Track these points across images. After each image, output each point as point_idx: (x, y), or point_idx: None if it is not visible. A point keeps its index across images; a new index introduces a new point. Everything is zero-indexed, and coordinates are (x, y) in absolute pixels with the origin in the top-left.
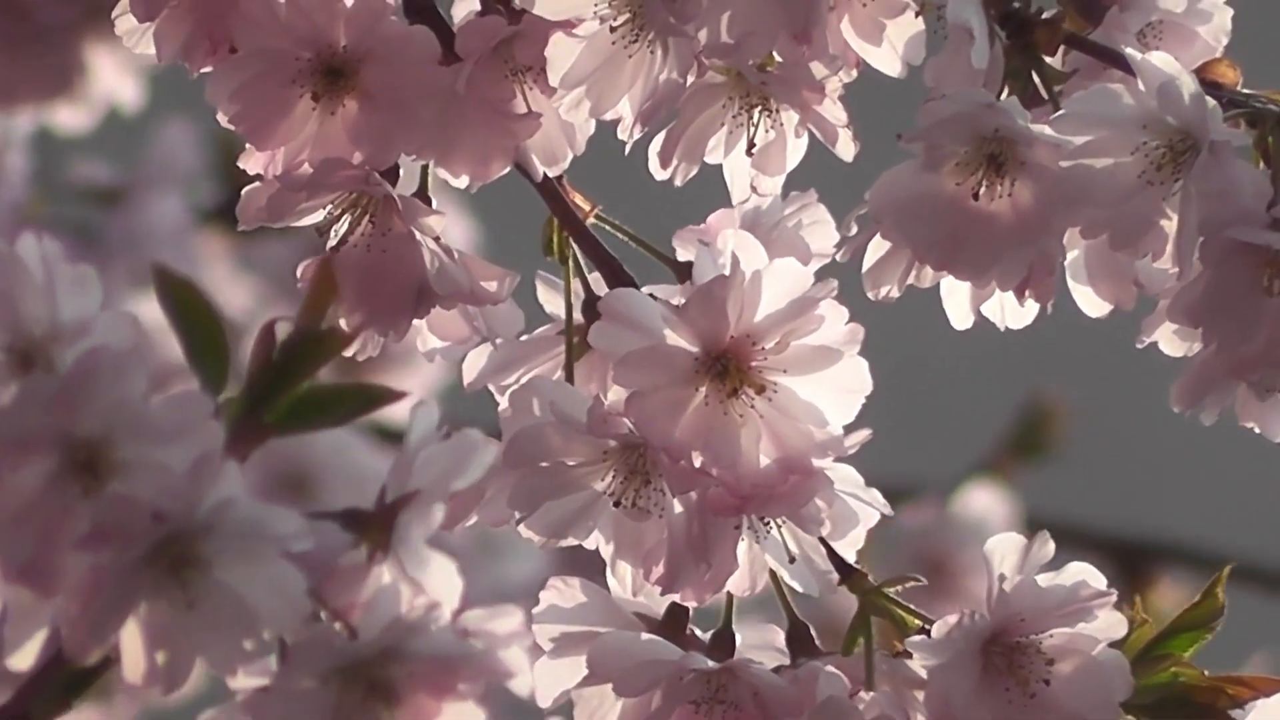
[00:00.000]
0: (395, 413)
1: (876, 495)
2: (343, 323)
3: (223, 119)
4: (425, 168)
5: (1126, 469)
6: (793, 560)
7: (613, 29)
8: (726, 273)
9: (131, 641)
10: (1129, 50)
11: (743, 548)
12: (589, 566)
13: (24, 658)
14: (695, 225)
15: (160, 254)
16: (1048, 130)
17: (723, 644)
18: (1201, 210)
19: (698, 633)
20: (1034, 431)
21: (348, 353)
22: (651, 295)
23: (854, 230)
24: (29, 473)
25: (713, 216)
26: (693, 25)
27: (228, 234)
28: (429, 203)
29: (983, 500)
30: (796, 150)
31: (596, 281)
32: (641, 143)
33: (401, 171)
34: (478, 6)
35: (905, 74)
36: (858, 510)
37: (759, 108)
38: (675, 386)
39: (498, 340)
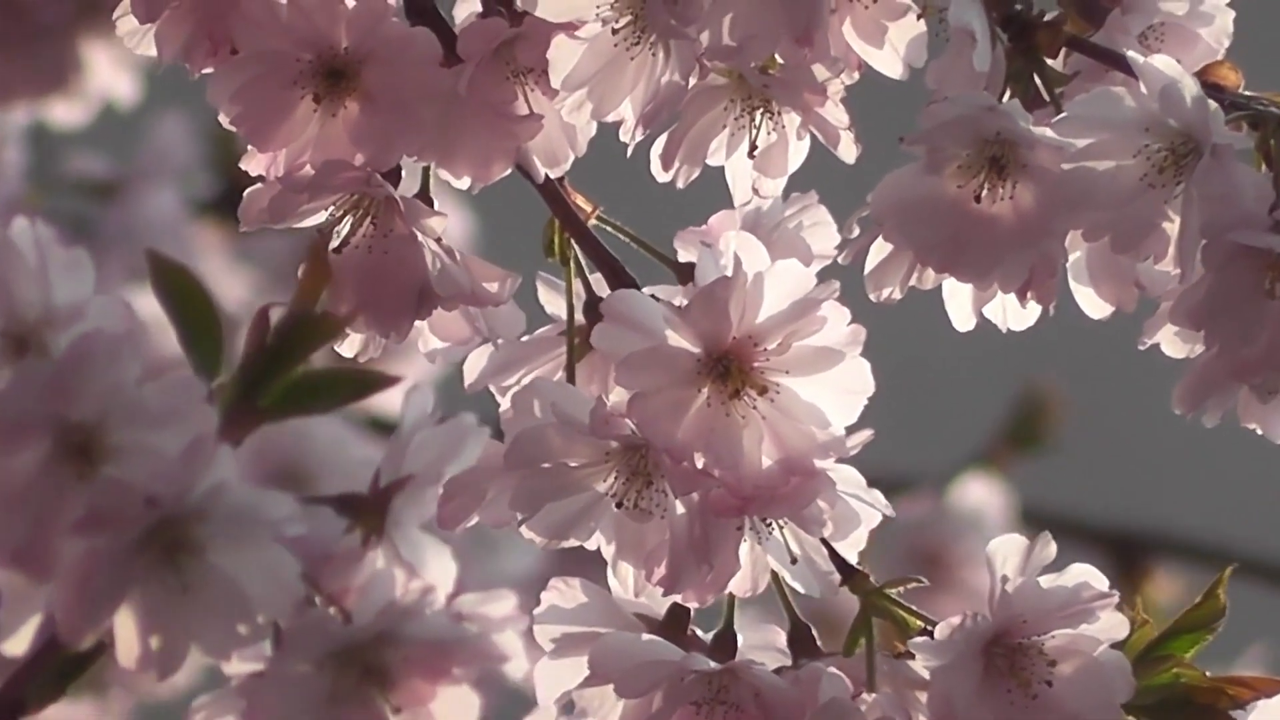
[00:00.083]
0: (391, 405)
1: (878, 496)
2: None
3: (224, 120)
4: (427, 169)
5: (1121, 461)
6: (794, 561)
7: (615, 31)
8: (729, 274)
9: (125, 626)
10: (1131, 53)
11: (745, 548)
12: (585, 562)
13: (18, 643)
14: (697, 226)
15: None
16: (1049, 133)
17: (724, 645)
18: (1203, 213)
19: (699, 633)
20: (1029, 423)
21: (348, 353)
22: (653, 296)
23: (856, 232)
24: (23, 457)
25: (714, 218)
26: (694, 28)
27: (224, 226)
28: (431, 204)
29: (978, 492)
30: (798, 152)
31: (598, 282)
32: (643, 144)
33: (403, 173)
34: (479, 8)
35: (907, 76)
36: (859, 511)
37: (761, 110)
38: (677, 388)
39: (499, 341)
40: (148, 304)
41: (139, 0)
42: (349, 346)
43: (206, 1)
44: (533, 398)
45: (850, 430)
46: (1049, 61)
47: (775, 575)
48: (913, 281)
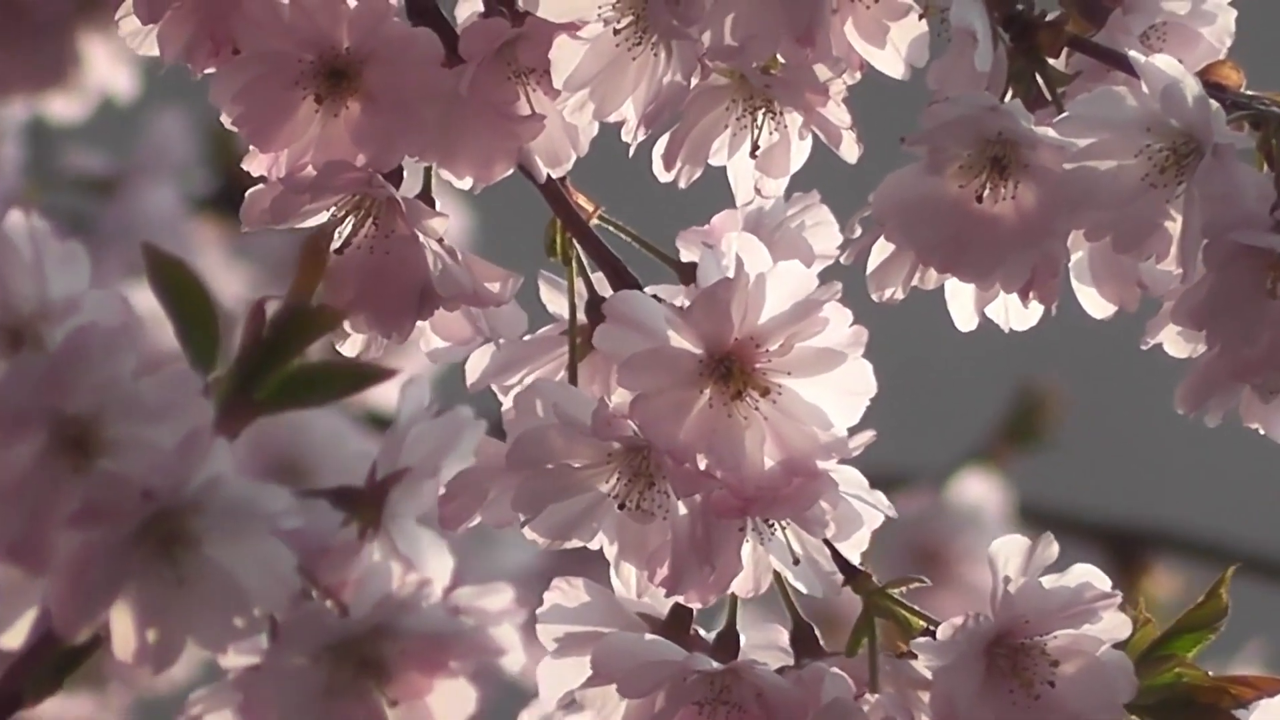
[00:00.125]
0: (390, 400)
1: (881, 497)
2: (346, 325)
3: (226, 120)
4: (428, 169)
5: (1119, 457)
6: (797, 562)
7: (616, 31)
8: (731, 276)
9: (122, 620)
10: (1132, 53)
11: (747, 549)
12: (584, 559)
13: (14, 636)
14: (699, 226)
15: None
16: (1051, 133)
17: (727, 645)
18: (1205, 213)
19: (702, 633)
20: (1027, 419)
21: (350, 354)
22: (655, 297)
23: (858, 232)
24: (19, 450)
25: (716, 217)
26: (696, 28)
27: (222, 223)
28: (432, 204)
29: (976, 489)
30: (800, 152)
31: (599, 281)
32: (645, 144)
33: (405, 173)
34: (481, 8)
35: (909, 76)
36: (862, 512)
37: (763, 110)
38: (679, 389)
39: (500, 341)
40: (145, 299)
41: (141, 1)
42: (351, 347)
43: (208, 2)
44: (535, 398)
45: (852, 431)
46: (1051, 61)
47: (778, 575)
48: (915, 281)
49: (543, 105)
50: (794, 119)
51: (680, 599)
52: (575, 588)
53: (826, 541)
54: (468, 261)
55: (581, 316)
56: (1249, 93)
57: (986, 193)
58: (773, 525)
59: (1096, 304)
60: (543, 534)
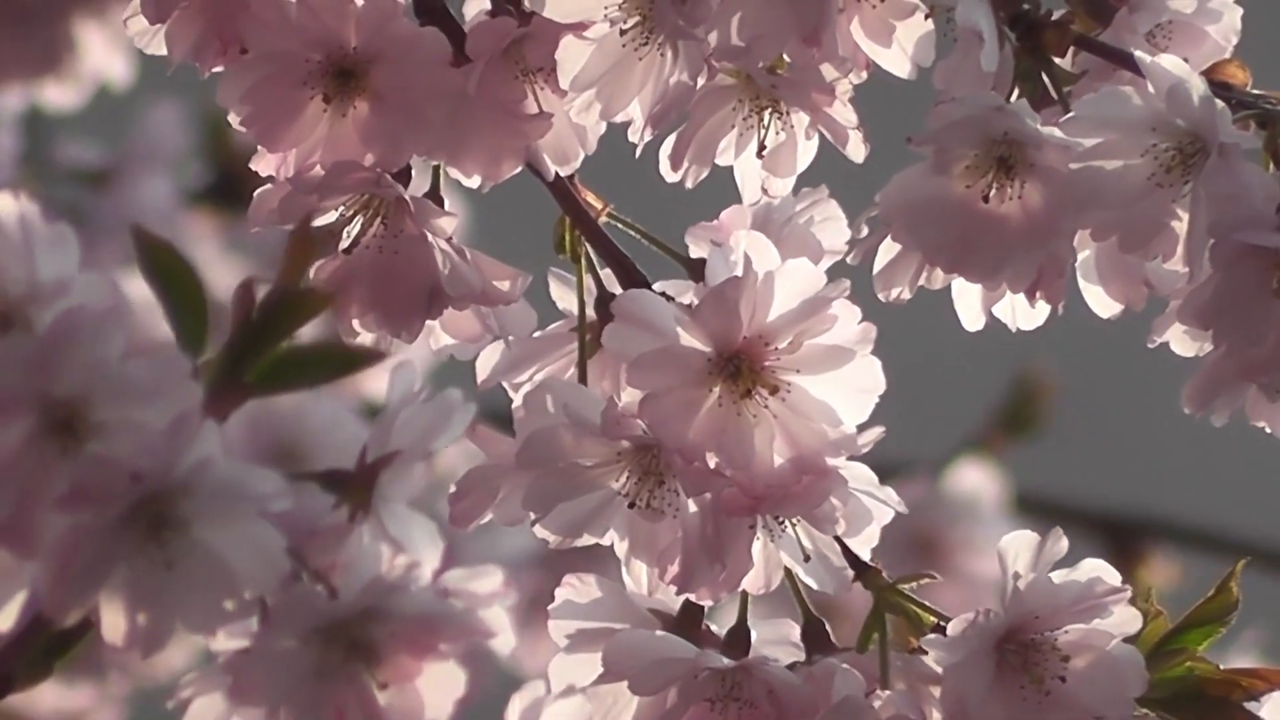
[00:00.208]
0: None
1: (890, 493)
2: (355, 325)
3: (234, 120)
4: (437, 168)
5: (1115, 445)
6: (808, 558)
7: (623, 32)
8: (739, 274)
9: (111, 603)
10: (1138, 53)
11: (757, 546)
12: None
13: (4, 620)
14: (708, 222)
15: None
16: (1057, 133)
17: (738, 641)
18: (1211, 213)
19: (713, 628)
20: (1023, 408)
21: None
22: (664, 294)
23: (864, 232)
24: (7, 433)
25: (725, 213)
26: (703, 28)
27: (216, 215)
28: (441, 204)
29: (973, 477)
30: (807, 152)
31: (608, 278)
32: (651, 143)
33: (414, 172)
34: (488, 7)
35: (915, 76)
36: (871, 507)
37: (769, 110)
38: (689, 387)
39: (510, 338)
40: (139, 289)
41: (149, 1)
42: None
43: (216, 2)
44: (545, 397)
45: (860, 427)
46: (1057, 60)
47: (788, 572)
48: (921, 281)
49: (550, 104)
50: (800, 119)
51: (691, 596)
52: (587, 584)
53: (836, 538)
54: (476, 260)
55: (591, 313)
56: (1255, 91)
57: (993, 193)
58: (783, 522)
59: (1103, 303)
60: (553, 532)
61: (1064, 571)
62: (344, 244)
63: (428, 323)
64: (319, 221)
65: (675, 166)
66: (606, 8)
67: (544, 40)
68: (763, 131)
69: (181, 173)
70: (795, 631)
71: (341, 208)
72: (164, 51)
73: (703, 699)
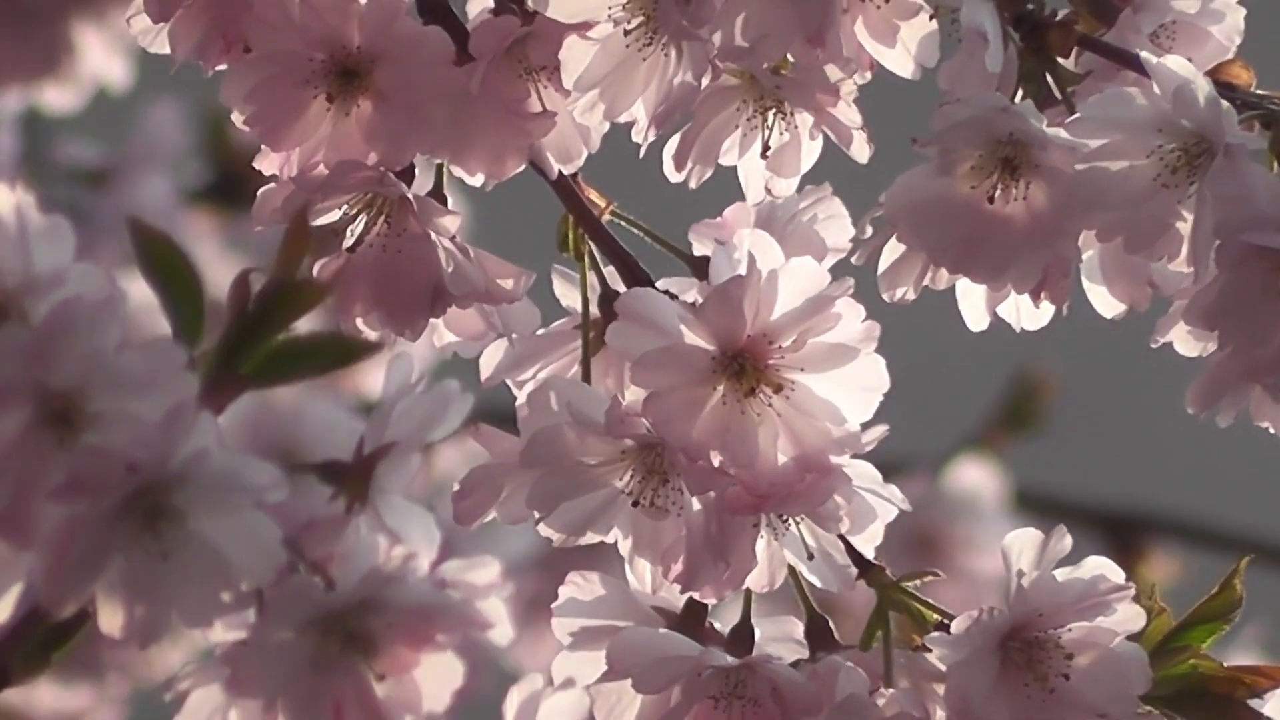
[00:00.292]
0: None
1: (894, 491)
2: (359, 323)
3: (238, 120)
4: (440, 167)
5: (1115, 442)
6: (811, 557)
7: (627, 32)
8: (743, 272)
9: (108, 595)
10: (1144, 53)
11: (761, 544)
12: (585, 547)
13: (0, 611)
14: (711, 219)
15: None
16: (1063, 133)
17: (741, 639)
18: (1216, 214)
19: (716, 626)
20: (1023, 405)
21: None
22: (667, 292)
23: (869, 232)
24: (3, 424)
25: (728, 210)
26: (707, 29)
27: (216, 213)
28: (444, 202)
29: (973, 475)
30: (811, 152)
31: (611, 276)
32: (655, 140)
33: (417, 171)
34: (491, 6)
35: (919, 76)
36: (875, 505)
37: (773, 110)
38: (692, 386)
39: (513, 336)
40: (139, 289)
41: None
42: None
43: (220, 1)
44: (549, 395)
45: (864, 426)
46: (1061, 61)
47: (792, 569)
48: (926, 281)
49: (554, 102)
50: (804, 119)
51: (695, 594)
52: (590, 582)
53: (840, 535)
54: (480, 259)
55: (594, 311)
56: (1260, 92)
57: (998, 193)
58: (786, 520)
59: (1107, 303)
60: (557, 531)
61: (1068, 569)
62: (347, 243)
63: (431, 321)
64: (323, 220)
65: (679, 167)
66: (610, 8)
67: (547, 39)
68: (767, 132)
69: (181, 172)
70: (798, 629)
71: (345, 206)
72: (167, 50)
73: (706, 697)
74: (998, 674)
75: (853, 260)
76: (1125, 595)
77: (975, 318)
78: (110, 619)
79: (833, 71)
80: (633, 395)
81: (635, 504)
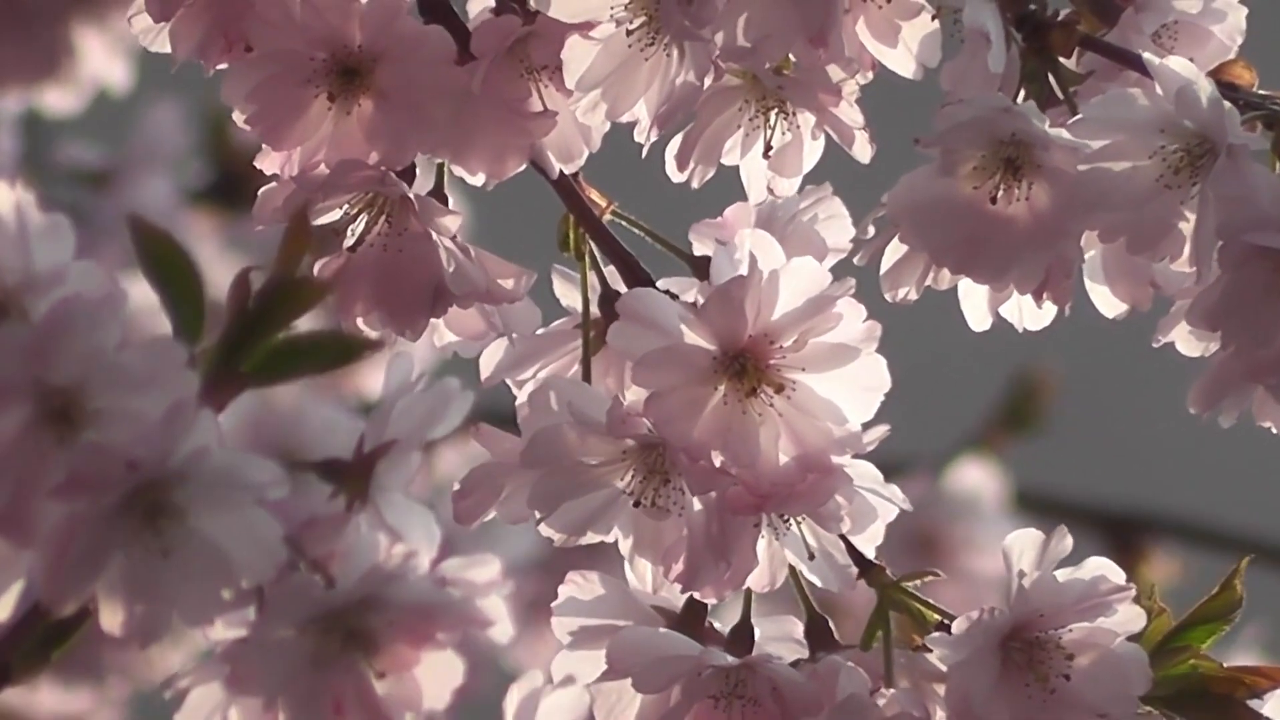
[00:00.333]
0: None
1: (895, 490)
2: (360, 323)
3: (239, 119)
4: (441, 166)
5: (1115, 442)
6: (812, 556)
7: (629, 32)
8: (744, 272)
9: (108, 592)
10: (1146, 54)
11: (762, 544)
12: (587, 548)
13: (1, 609)
14: (711, 219)
15: None
16: (1065, 134)
17: (741, 638)
18: (1219, 215)
19: (716, 626)
20: (1023, 405)
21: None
22: (668, 292)
23: (871, 233)
24: (3, 421)
25: (729, 210)
26: (709, 29)
27: (216, 214)
28: (445, 202)
29: (973, 475)
30: (813, 152)
31: (612, 275)
32: (658, 144)
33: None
34: (492, 5)
35: (921, 76)
36: (876, 505)
37: (775, 110)
38: (694, 386)
39: (514, 336)
40: (142, 292)
41: None
42: None
43: (221, 0)
44: (550, 395)
45: (865, 425)
46: (1063, 61)
47: (792, 569)
48: (929, 281)
49: (555, 101)
50: (806, 119)
51: (696, 594)
52: (590, 581)
53: (841, 535)
54: (481, 258)
55: (595, 311)
56: (1262, 92)
57: (1000, 194)
58: (787, 520)
59: (1109, 303)
60: (558, 530)
61: (1068, 570)
62: (348, 242)
63: (431, 320)
64: (323, 219)
65: (681, 167)
66: (612, 8)
67: (549, 38)
68: (769, 132)
69: (182, 172)
70: (798, 629)
71: (346, 206)
72: (168, 49)
73: (706, 696)
74: (998, 674)
75: (855, 260)
76: (1126, 596)
77: (977, 318)
78: (111, 617)
79: (835, 71)
80: (633, 395)
81: (636, 504)
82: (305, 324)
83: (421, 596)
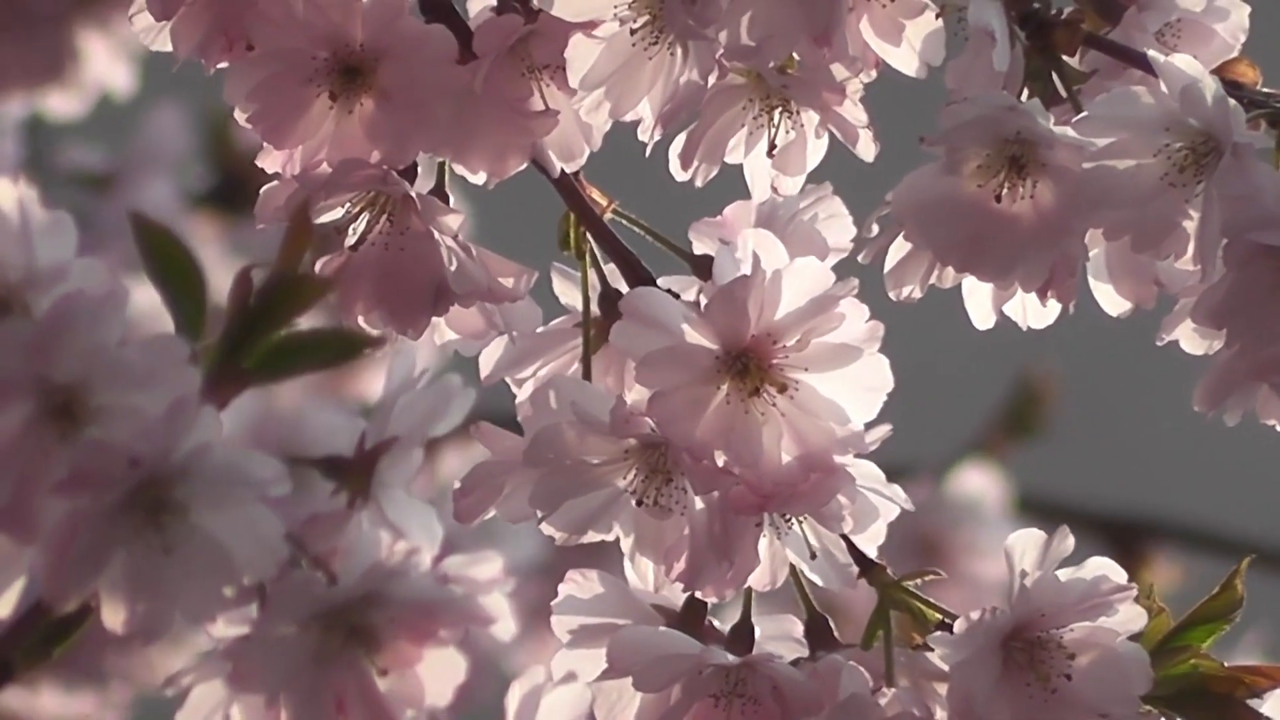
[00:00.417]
0: None
1: (897, 490)
2: (361, 321)
3: (240, 118)
4: (442, 165)
5: (1118, 447)
6: (813, 555)
7: (632, 31)
8: (747, 272)
9: (110, 589)
10: (1151, 52)
11: (764, 543)
12: (588, 552)
13: (4, 606)
14: (710, 218)
15: None
16: (1070, 132)
17: (742, 637)
18: (1224, 213)
19: (716, 624)
20: (1025, 410)
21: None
22: (669, 291)
23: (875, 231)
24: (6, 418)
25: (729, 209)
26: (713, 28)
27: (218, 216)
28: (446, 200)
29: (975, 480)
30: (817, 150)
31: (612, 274)
32: (661, 142)
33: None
34: (494, 4)
35: (924, 74)
36: (878, 505)
37: (779, 109)
38: (696, 385)
39: (514, 334)
40: (146, 295)
41: None
42: None
43: None
44: (552, 394)
45: (868, 426)
46: (1067, 59)
47: (793, 568)
48: (933, 280)
49: (556, 100)
50: (810, 118)
51: (697, 593)
52: (589, 579)
53: (843, 534)
54: (482, 257)
55: (595, 310)
56: (1266, 90)
57: (1005, 192)
58: (789, 519)
59: (1113, 301)
60: (560, 529)
61: (1070, 569)
62: (350, 241)
63: (432, 319)
64: (325, 218)
65: (685, 165)
66: (616, 6)
67: (550, 37)
68: (773, 130)
69: (184, 176)
70: (798, 628)
71: (347, 205)
72: (169, 48)
73: (707, 695)
74: (1000, 674)
75: (859, 259)
76: (1127, 596)
77: (981, 316)
78: (113, 614)
79: (839, 70)
80: (634, 394)
81: (639, 503)
82: (307, 323)
83: (423, 593)
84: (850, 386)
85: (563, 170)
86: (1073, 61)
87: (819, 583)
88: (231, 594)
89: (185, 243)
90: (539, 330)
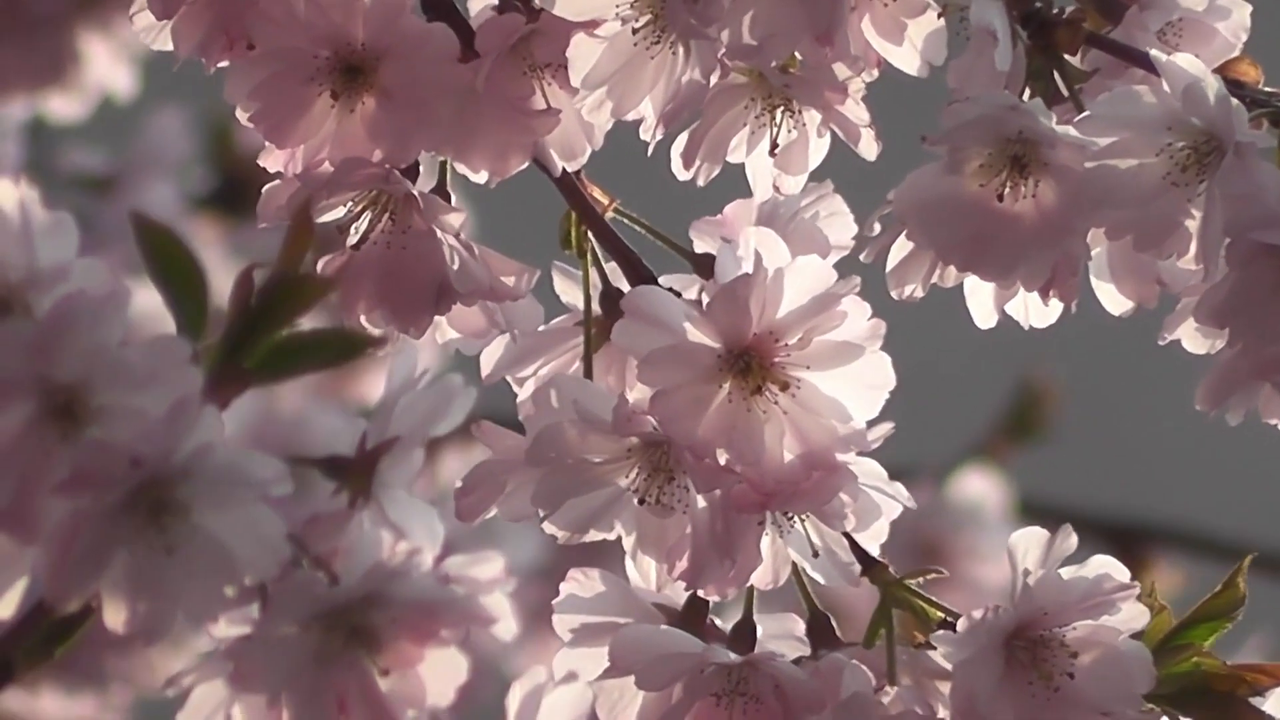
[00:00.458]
0: None
1: (900, 488)
2: (363, 320)
3: (242, 117)
4: (444, 164)
5: (1120, 451)
6: (816, 554)
7: (634, 30)
8: (749, 270)
9: (112, 589)
10: (1154, 51)
11: (766, 542)
12: (589, 553)
13: (5, 606)
14: (711, 216)
15: None
16: (1072, 131)
17: (744, 636)
18: (1226, 212)
19: (718, 623)
20: (1027, 414)
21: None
22: (671, 290)
23: (877, 230)
24: (7, 418)
25: (729, 208)
26: (715, 27)
27: (220, 219)
28: (448, 199)
29: (977, 484)
30: (819, 150)
31: (613, 272)
32: (662, 141)
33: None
34: (495, 3)
35: (926, 73)
36: (881, 503)
37: (781, 108)
38: (699, 384)
39: (515, 333)
40: (148, 297)
41: None
42: None
43: None
44: (553, 393)
45: (870, 424)
46: (1069, 59)
47: (795, 566)
48: (935, 279)
49: (558, 99)
50: (812, 117)
51: (699, 592)
52: (591, 578)
53: (845, 533)
54: (484, 256)
55: (596, 308)
56: (1268, 89)
57: (1007, 191)
58: (791, 517)
59: (1115, 300)
60: (562, 528)
61: (1072, 568)
62: (352, 240)
63: (434, 318)
64: (327, 217)
65: (687, 165)
66: (618, 6)
67: (552, 36)
68: (775, 129)
69: (185, 178)
70: (799, 626)
71: (349, 204)
72: (170, 47)
73: (709, 694)
74: (1002, 672)
75: (861, 257)
76: (1130, 594)
77: (983, 315)
78: (114, 614)
79: (841, 69)
80: (636, 393)
81: (641, 501)
82: (308, 323)
83: (425, 593)
84: (852, 384)
85: (564, 169)
86: (1074, 61)
87: (821, 581)
88: (233, 594)
89: (187, 243)
90: (540, 329)
